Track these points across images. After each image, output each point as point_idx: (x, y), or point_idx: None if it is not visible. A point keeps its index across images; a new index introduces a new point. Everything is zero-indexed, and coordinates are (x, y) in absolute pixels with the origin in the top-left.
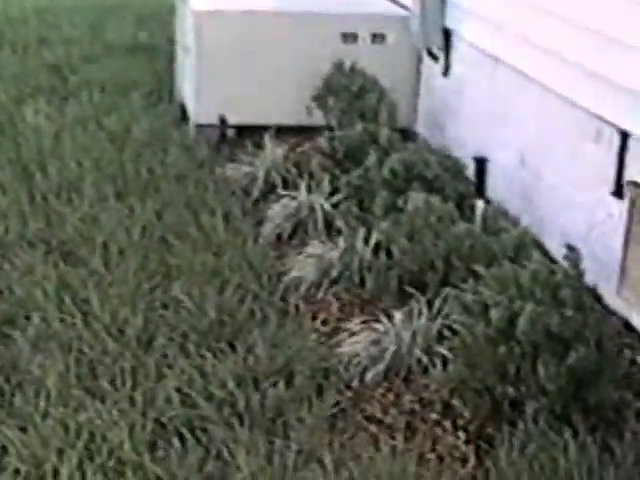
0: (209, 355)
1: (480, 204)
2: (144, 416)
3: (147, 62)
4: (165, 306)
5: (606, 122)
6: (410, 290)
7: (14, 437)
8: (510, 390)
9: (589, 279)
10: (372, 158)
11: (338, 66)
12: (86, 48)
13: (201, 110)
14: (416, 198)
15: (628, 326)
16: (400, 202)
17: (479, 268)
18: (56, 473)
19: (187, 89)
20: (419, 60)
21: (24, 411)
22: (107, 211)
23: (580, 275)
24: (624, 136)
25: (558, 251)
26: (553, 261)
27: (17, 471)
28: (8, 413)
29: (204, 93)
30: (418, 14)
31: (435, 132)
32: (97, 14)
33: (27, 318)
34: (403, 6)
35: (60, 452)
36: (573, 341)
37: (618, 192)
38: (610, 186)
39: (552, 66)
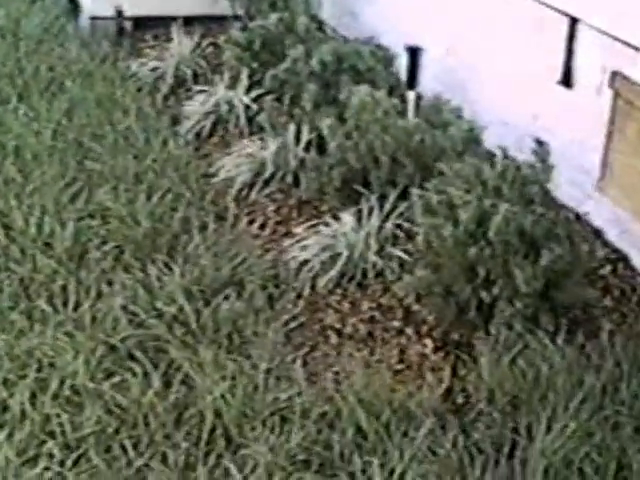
0: (150, 268)
1: (412, 95)
2: (92, 339)
3: None
4: (92, 216)
5: (552, 9)
6: (359, 189)
7: None
8: (483, 294)
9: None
10: (298, 50)
11: None
12: None
13: (95, 2)
14: (359, 91)
15: (579, 218)
16: (330, 96)
17: (439, 165)
18: (5, 408)
19: None
20: None
21: None
22: (12, 114)
23: (549, 170)
24: (573, 22)
25: (495, 141)
26: (492, 154)
27: None
28: None
29: None
30: None
31: (346, 20)
32: None
33: None
34: None
35: (7, 382)
36: (545, 241)
37: (566, 81)
38: (557, 74)
39: None
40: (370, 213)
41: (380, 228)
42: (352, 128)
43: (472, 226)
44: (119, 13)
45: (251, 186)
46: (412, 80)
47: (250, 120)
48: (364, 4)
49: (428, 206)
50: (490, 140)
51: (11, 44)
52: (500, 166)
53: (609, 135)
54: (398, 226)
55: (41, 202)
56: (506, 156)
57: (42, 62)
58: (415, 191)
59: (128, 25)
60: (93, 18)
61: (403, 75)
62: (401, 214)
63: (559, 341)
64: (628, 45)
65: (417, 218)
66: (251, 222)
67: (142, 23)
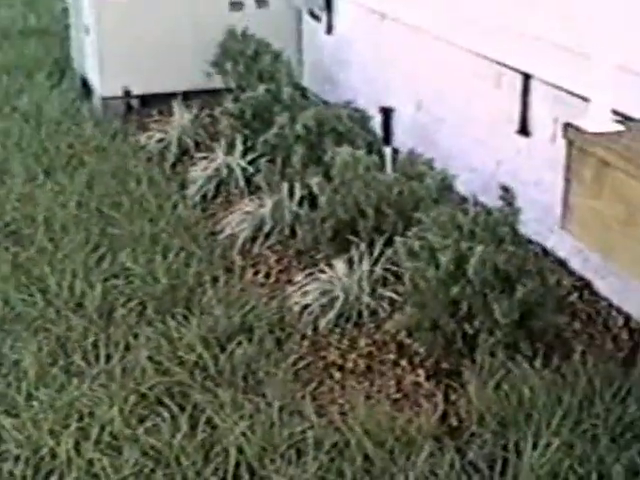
0: (170, 320)
1: (388, 151)
2: (124, 389)
3: (42, 44)
4: (116, 276)
5: (507, 67)
6: (348, 238)
7: (5, 423)
8: (466, 326)
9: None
10: (283, 117)
11: (231, 32)
12: None
13: (105, 84)
14: (342, 152)
15: (545, 251)
16: (315, 156)
17: (420, 215)
18: (54, 455)
19: (90, 66)
20: (300, 21)
21: (7, 396)
22: (40, 189)
23: (516, 213)
24: (526, 78)
25: (466, 188)
26: (464, 198)
27: (17, 458)
28: None
29: (107, 69)
30: None
31: (325, 86)
32: None
33: None
34: None
35: (53, 433)
36: (518, 276)
37: (523, 130)
38: (515, 125)
39: (447, 19)
40: (361, 259)
41: (371, 272)
42: (338, 184)
43: (452, 267)
44: (127, 93)
45: (253, 240)
46: (387, 137)
47: (248, 181)
48: (340, 71)
49: (411, 251)
50: (461, 186)
51: (35, 126)
52: (472, 211)
53: (567, 179)
54: (387, 269)
55: (71, 267)
56: (476, 202)
57: (62, 141)
58: (398, 239)
59: (135, 103)
60: (104, 98)
61: (379, 133)
62: (388, 259)
63: (537, 364)
64: (577, 96)
65: (402, 262)
66: (256, 273)
67: (147, 100)
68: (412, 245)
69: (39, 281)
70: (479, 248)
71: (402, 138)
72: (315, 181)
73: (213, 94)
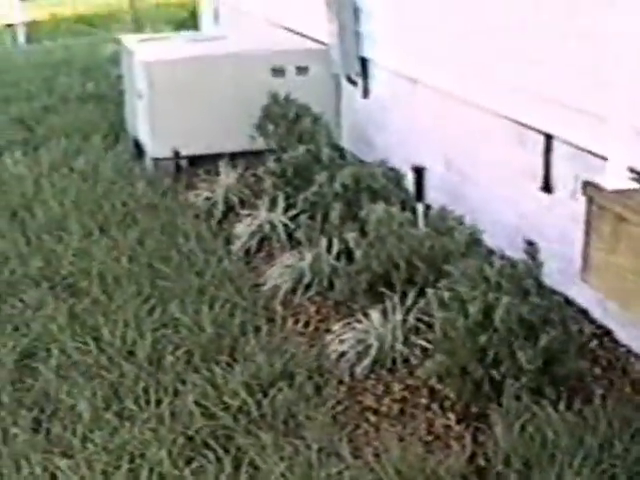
0: (215, 367)
1: (420, 208)
2: (172, 432)
3: (98, 108)
4: (165, 325)
5: (530, 128)
6: (382, 290)
7: (61, 464)
8: (493, 372)
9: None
10: (323, 176)
11: (273, 97)
12: (44, 101)
13: (156, 146)
14: (377, 209)
15: (567, 301)
16: (352, 212)
17: (447, 267)
18: None
19: (142, 129)
20: (339, 86)
21: (64, 438)
22: (95, 244)
23: (540, 266)
24: (548, 138)
25: (492, 241)
26: (490, 251)
27: None
28: (49, 441)
29: (158, 131)
30: (337, 46)
31: (361, 146)
32: (48, 69)
33: (47, 350)
34: (320, 42)
35: (105, 474)
36: (542, 325)
37: (546, 187)
38: (538, 182)
39: (474, 84)
40: (394, 309)
41: (404, 321)
42: (373, 239)
43: (480, 317)
44: (176, 154)
45: (294, 291)
46: (419, 194)
47: (289, 236)
48: (375, 133)
49: (442, 302)
50: (488, 240)
51: (91, 186)
52: (498, 264)
53: (587, 234)
54: (419, 319)
55: (123, 317)
56: (502, 255)
57: (116, 199)
58: (430, 290)
59: (184, 163)
60: (155, 159)
61: (412, 190)
62: (420, 309)
63: (560, 407)
64: (595, 155)
65: (434, 312)
66: (296, 322)
67: (195, 161)
68: (443, 296)
69: (93, 330)
70: (505, 299)
71: (433, 195)
72: (352, 236)
73: (257, 155)
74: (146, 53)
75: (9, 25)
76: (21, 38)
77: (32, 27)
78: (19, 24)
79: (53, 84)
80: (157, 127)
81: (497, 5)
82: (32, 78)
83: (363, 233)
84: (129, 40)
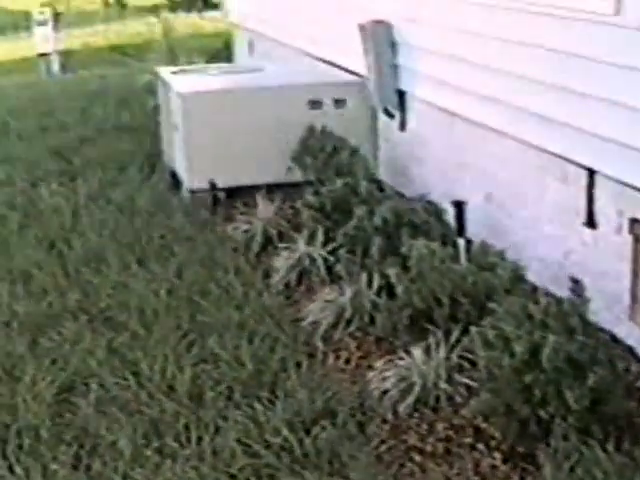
0: (256, 404)
1: (462, 243)
2: (215, 469)
3: (134, 139)
4: (205, 360)
5: (572, 162)
6: (426, 326)
7: None
8: (540, 412)
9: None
10: (362, 209)
11: (310, 129)
12: (80, 131)
13: (193, 178)
14: (418, 245)
15: (613, 338)
16: (392, 247)
17: (490, 304)
18: None
19: (178, 160)
20: (376, 118)
21: (105, 475)
22: (133, 277)
23: (586, 303)
24: (591, 173)
25: (536, 277)
26: (534, 288)
27: None
28: (90, 478)
29: (194, 163)
30: (374, 79)
31: (399, 179)
32: (84, 100)
33: (85, 385)
34: (357, 74)
35: None
36: (589, 364)
37: (590, 222)
38: (582, 217)
39: (514, 117)
40: (437, 346)
41: (447, 359)
42: (415, 275)
43: (526, 356)
44: (213, 186)
45: (335, 327)
46: (460, 229)
47: (329, 270)
48: (413, 166)
49: (486, 340)
50: (531, 276)
51: (128, 218)
52: (543, 301)
53: (634, 273)
54: (462, 357)
55: (162, 351)
56: (546, 292)
57: (154, 231)
58: (474, 329)
59: (221, 195)
60: (192, 191)
61: (453, 225)
62: (463, 346)
63: (609, 448)
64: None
65: (478, 351)
66: (337, 358)
67: (233, 193)
68: (487, 334)
69: (132, 365)
70: (552, 338)
71: (474, 229)
72: (393, 272)
73: (294, 187)
74: (182, 85)
75: (43, 54)
76: (55, 67)
77: (66, 56)
78: (53, 53)
79: (89, 114)
80: (193, 159)
81: (534, 38)
82: (67, 108)
83: (404, 268)
84: (165, 71)
